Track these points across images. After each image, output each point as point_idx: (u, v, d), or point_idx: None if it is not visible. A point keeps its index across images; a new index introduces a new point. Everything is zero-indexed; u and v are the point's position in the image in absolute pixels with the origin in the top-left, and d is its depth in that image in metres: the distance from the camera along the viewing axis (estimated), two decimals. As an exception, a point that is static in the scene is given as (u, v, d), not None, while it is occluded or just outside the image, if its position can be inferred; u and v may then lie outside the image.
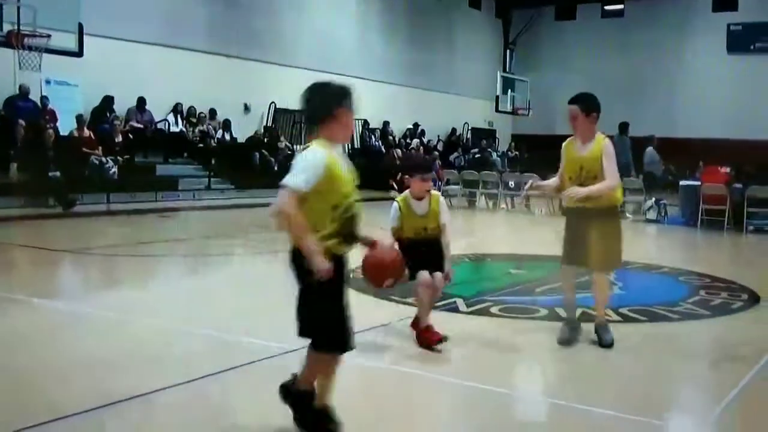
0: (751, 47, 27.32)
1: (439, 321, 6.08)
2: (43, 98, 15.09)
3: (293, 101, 23.84)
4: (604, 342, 5.29)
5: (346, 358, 3.48)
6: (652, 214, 15.45)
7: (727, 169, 15.01)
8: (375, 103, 24.03)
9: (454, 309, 6.51)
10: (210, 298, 7.01)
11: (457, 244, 11.66)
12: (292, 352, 4.70)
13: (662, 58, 28.25)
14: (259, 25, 20.58)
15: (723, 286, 8.02)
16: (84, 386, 4.15)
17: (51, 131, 14.25)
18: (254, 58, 20.34)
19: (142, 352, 4.89)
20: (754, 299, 7.39)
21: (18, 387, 4.20)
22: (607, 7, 30.43)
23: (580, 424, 4.03)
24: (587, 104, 5.33)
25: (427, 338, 5.12)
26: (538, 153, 27.01)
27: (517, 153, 27.37)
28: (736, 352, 5.47)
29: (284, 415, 3.59)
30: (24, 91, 14.79)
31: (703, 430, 3.96)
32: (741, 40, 27.47)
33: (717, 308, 6.92)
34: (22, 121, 14.12)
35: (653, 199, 15.72)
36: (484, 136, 28.06)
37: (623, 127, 17.37)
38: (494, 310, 6.55)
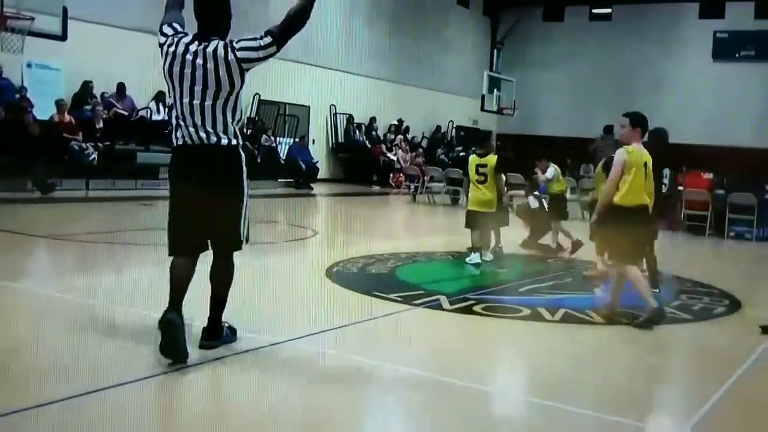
0: (737, 55, 27.50)
1: (421, 318, 6.18)
2: (22, 88, 14.81)
3: (277, 93, 23.60)
4: None
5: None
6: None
7: (710, 175, 15.13)
8: (360, 98, 23.93)
9: (437, 306, 6.46)
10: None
11: (439, 242, 11.63)
12: (274, 345, 4.60)
13: (648, 63, 28.39)
14: (243, 13, 20.36)
15: (704, 290, 8.03)
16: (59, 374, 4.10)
17: (30, 116, 14.08)
18: (239, 48, 20.11)
19: (116, 338, 4.81)
20: (735, 305, 7.41)
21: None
22: (595, 10, 30.52)
23: (558, 423, 4.00)
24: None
25: None
26: (522, 153, 27.12)
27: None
28: (719, 356, 5.50)
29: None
30: (-1, 70, 14.56)
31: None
32: (727, 48, 27.65)
33: (699, 312, 6.95)
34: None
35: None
36: (468, 134, 28.09)
37: (608, 129, 17.43)
38: (477, 308, 6.47)
